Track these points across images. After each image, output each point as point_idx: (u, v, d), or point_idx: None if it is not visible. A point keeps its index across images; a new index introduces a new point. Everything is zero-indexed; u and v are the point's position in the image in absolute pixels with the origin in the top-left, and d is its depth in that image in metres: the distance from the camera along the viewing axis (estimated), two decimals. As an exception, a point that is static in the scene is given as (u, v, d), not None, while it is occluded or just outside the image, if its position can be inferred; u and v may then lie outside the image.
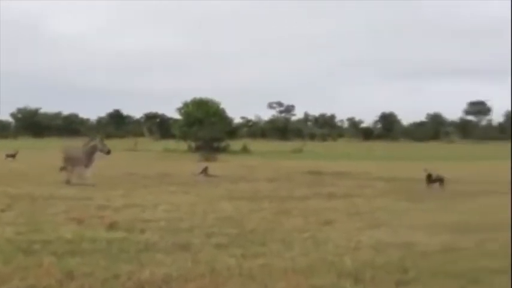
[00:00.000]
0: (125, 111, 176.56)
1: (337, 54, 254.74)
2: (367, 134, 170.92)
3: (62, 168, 26.19)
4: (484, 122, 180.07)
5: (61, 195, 20.46)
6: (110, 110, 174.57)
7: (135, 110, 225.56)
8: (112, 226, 13.88)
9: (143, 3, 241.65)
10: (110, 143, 29.88)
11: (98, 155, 26.23)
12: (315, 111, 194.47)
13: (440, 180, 24.68)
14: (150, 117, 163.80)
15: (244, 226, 14.32)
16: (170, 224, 14.38)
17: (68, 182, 24.61)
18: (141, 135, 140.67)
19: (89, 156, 25.81)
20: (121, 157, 33.93)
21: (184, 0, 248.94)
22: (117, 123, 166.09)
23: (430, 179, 24.71)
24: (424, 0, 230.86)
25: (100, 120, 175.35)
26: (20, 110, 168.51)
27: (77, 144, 28.81)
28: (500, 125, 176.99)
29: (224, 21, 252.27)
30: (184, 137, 73.72)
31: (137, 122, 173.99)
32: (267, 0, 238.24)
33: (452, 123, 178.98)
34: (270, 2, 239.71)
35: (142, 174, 30.78)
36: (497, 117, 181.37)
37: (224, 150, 69.18)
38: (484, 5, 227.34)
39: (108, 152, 26.37)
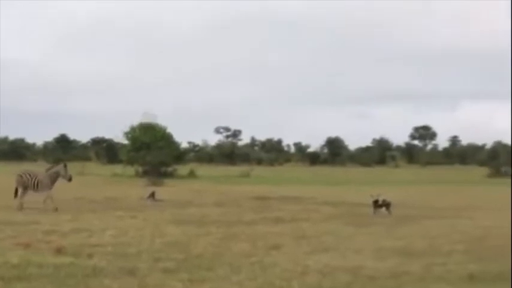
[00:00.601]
0: (72, 136, 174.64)
1: (284, 79, 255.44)
2: (313, 158, 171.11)
3: (16, 193, 25.83)
4: (429, 147, 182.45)
5: (8, 219, 20.23)
6: (56, 134, 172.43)
7: (82, 135, 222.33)
8: (59, 251, 13.80)
9: (89, 27, 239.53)
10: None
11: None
12: (262, 136, 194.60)
13: (386, 205, 24.86)
14: (97, 142, 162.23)
15: (192, 251, 14.35)
16: (117, 249, 14.34)
17: (20, 208, 24.30)
18: (89, 159, 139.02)
19: (52, 181, 25.83)
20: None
21: (129, 24, 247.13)
22: (63, 148, 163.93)
23: (376, 204, 24.89)
24: (373, 28, 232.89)
25: (46, 145, 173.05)
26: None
27: (32, 169, 28.77)
28: (445, 149, 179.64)
29: (170, 46, 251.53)
30: (131, 161, 73.12)
31: (84, 146, 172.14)
32: (212, 28, 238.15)
33: (398, 148, 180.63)
34: (215, 28, 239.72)
35: (89, 199, 30.57)
36: (442, 142, 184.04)
37: (171, 175, 68.71)
38: (432, 32, 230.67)
39: (70, 180, 26.40)
